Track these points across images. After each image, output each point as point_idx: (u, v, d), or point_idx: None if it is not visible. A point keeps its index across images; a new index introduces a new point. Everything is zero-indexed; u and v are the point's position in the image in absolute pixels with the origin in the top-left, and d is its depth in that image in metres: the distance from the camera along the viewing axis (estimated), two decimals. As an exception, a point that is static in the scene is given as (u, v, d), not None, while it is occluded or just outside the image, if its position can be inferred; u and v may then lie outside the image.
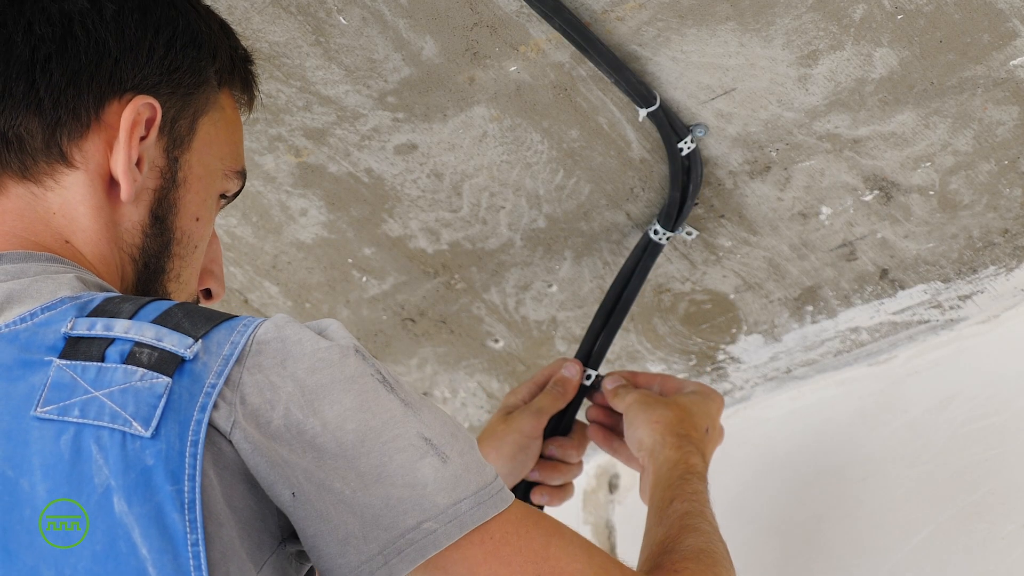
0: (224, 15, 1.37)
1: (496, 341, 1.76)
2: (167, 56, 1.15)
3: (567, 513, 1.71)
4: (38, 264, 1.09)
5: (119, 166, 1.12)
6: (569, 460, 1.57)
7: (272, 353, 1.01)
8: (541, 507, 1.57)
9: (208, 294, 1.24)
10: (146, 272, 1.16)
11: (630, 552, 1.84)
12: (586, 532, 1.87)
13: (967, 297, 1.58)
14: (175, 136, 1.16)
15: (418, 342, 1.78)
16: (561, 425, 1.57)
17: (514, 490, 1.55)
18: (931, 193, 1.48)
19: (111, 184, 1.13)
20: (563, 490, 1.58)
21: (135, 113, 1.12)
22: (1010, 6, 1.29)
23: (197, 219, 1.18)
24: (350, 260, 1.68)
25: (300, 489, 0.99)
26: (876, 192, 1.49)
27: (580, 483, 1.87)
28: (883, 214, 1.51)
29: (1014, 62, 1.34)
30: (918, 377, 1.64)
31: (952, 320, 1.61)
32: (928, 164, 1.45)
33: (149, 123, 1.14)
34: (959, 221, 1.50)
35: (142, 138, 1.13)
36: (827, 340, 1.66)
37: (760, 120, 1.44)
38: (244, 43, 1.31)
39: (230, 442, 0.98)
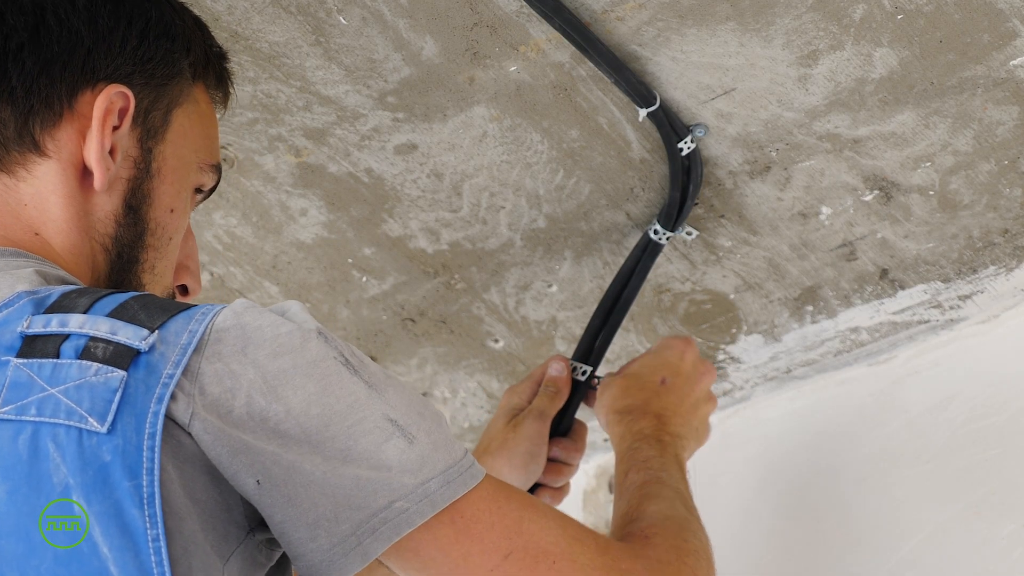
0: (224, 15, 1.37)
1: (496, 341, 1.76)
2: (140, 47, 1.15)
3: (567, 513, 1.70)
4: (1, 260, 1.08)
5: (92, 154, 1.12)
6: (572, 462, 1.57)
7: (232, 341, 0.99)
8: None
9: (184, 290, 1.24)
10: (119, 262, 1.15)
11: (630, 552, 1.84)
12: (586, 532, 1.87)
13: (967, 297, 1.58)
14: (149, 127, 1.16)
15: (418, 342, 1.78)
16: (561, 426, 1.57)
17: None
18: (931, 193, 1.48)
19: (84, 173, 1.13)
20: (562, 490, 1.58)
21: (108, 102, 1.12)
22: (1010, 6, 1.29)
23: (172, 211, 1.17)
24: (350, 260, 1.68)
25: (266, 475, 0.98)
26: (876, 192, 1.49)
27: (580, 483, 1.87)
28: (883, 214, 1.51)
29: (1014, 62, 1.34)
30: (918, 377, 1.64)
31: (952, 320, 1.61)
32: (928, 164, 1.45)
33: (122, 113, 1.14)
34: (959, 221, 1.50)
35: (115, 127, 1.13)
36: (827, 340, 1.66)
37: (760, 120, 1.44)
38: (244, 43, 1.31)
39: (189, 434, 0.97)
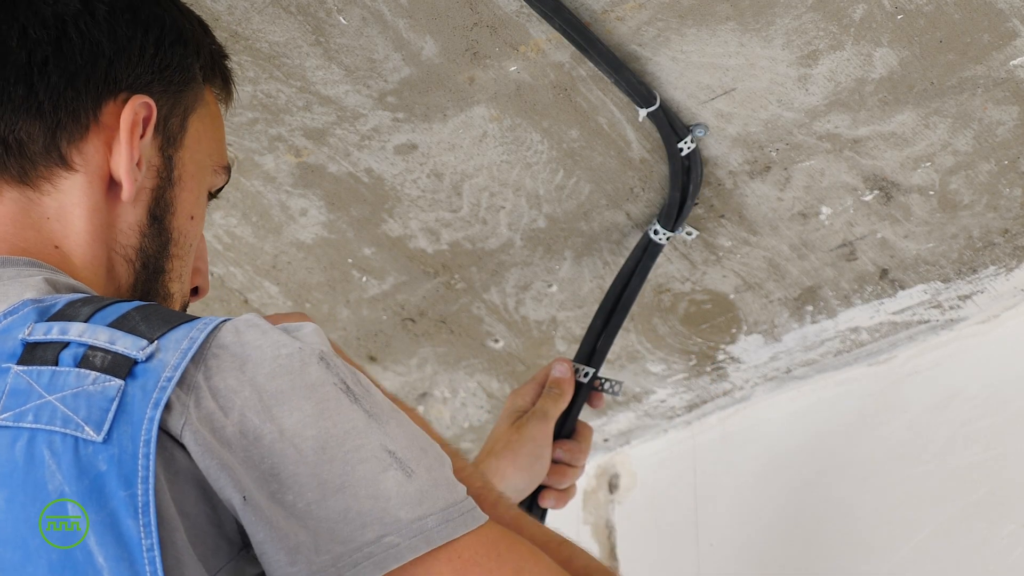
0: (224, 15, 1.37)
1: (496, 341, 1.76)
2: (157, 55, 1.15)
3: (568, 513, 1.71)
4: (14, 268, 1.08)
5: (122, 166, 1.12)
6: (576, 463, 1.57)
7: (230, 357, 0.98)
8: (546, 511, 1.57)
9: (195, 291, 1.24)
10: (145, 273, 1.15)
11: (630, 552, 1.84)
12: (586, 532, 1.87)
13: (967, 297, 1.58)
14: (168, 134, 1.16)
15: (418, 342, 1.78)
16: (565, 428, 1.57)
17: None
18: (931, 193, 1.48)
19: (110, 185, 1.13)
20: (567, 492, 1.58)
21: (133, 113, 1.12)
22: (1010, 6, 1.29)
23: (192, 217, 1.18)
24: (350, 260, 1.68)
25: (250, 495, 0.96)
26: (876, 192, 1.49)
27: (580, 483, 1.87)
28: (883, 214, 1.51)
29: (1014, 62, 1.34)
30: (918, 377, 1.64)
31: (952, 320, 1.61)
32: (928, 164, 1.45)
33: (146, 122, 1.14)
34: (959, 221, 1.50)
35: (140, 137, 1.13)
36: (827, 340, 1.66)
37: (760, 120, 1.44)
38: (245, 43, 1.31)
39: (182, 446, 0.96)
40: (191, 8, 1.25)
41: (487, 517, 1.02)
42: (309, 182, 1.58)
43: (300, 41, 1.40)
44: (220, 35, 1.39)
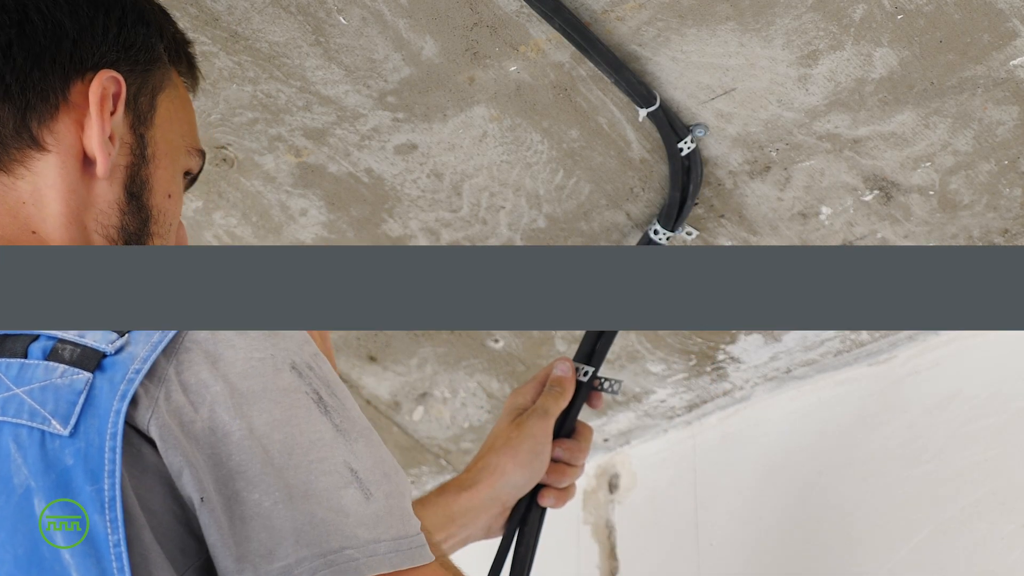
0: (224, 15, 1.37)
1: (496, 341, 1.76)
2: (120, 34, 1.16)
3: (568, 513, 1.71)
4: None
5: (94, 140, 1.12)
6: (576, 462, 1.57)
7: (203, 352, 0.98)
8: (545, 510, 1.57)
9: None
10: None
11: (630, 552, 1.84)
12: (586, 532, 1.87)
13: (967, 297, 1.58)
14: (138, 113, 1.17)
15: (418, 342, 1.78)
16: (564, 427, 1.57)
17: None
18: (931, 193, 1.48)
19: (85, 163, 1.13)
20: (567, 491, 1.58)
21: (102, 87, 1.13)
22: (1010, 6, 1.29)
23: (169, 196, 1.18)
24: (350, 260, 1.68)
25: (208, 496, 0.95)
26: (876, 192, 1.49)
27: (580, 483, 1.87)
28: (883, 214, 1.51)
29: (1014, 62, 1.34)
30: (918, 377, 1.63)
31: (952, 320, 1.61)
32: (928, 164, 1.45)
33: (115, 98, 1.14)
34: (959, 221, 1.50)
35: (111, 113, 1.14)
36: (827, 340, 1.66)
37: (760, 120, 1.44)
38: (245, 43, 1.31)
39: (148, 440, 0.95)
40: (186, 6, 1.25)
41: (434, 558, 1.01)
42: (309, 182, 1.58)
43: (300, 41, 1.40)
44: (220, 35, 1.39)
